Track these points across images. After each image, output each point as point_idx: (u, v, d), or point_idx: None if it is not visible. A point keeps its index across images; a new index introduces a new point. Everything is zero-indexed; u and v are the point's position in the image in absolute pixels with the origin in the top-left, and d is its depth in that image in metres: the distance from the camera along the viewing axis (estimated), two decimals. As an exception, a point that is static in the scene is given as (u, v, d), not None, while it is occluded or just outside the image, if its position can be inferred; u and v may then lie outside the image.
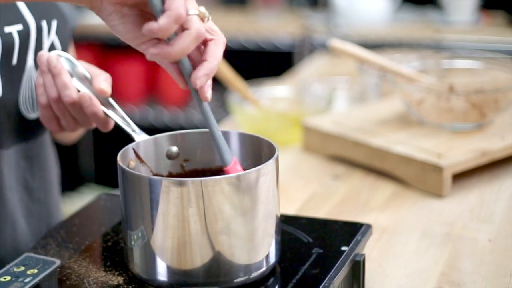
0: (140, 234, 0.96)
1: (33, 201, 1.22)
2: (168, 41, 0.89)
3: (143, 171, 1.04)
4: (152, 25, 0.87)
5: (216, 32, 0.94)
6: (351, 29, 2.97)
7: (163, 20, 0.87)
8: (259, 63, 3.17)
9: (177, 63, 0.93)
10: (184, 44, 0.89)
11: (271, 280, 0.99)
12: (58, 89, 1.08)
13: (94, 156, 3.58)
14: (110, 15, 0.91)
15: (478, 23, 3.02)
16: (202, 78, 0.92)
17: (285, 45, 3.08)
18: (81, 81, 1.10)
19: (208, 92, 0.93)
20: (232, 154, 0.97)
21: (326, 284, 0.97)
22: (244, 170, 0.97)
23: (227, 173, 0.96)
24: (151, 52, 0.90)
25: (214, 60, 0.93)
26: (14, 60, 1.13)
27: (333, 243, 1.08)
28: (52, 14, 1.18)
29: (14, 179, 1.18)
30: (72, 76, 1.09)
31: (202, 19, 0.91)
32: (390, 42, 2.79)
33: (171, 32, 0.88)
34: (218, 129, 0.96)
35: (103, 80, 1.09)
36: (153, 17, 0.89)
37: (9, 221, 1.17)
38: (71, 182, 3.47)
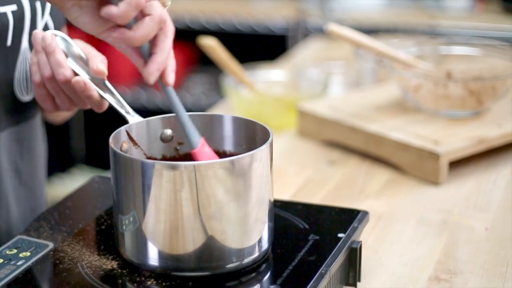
0: (131, 219, 0.94)
1: (21, 184, 1.21)
2: (128, 26, 0.90)
3: (136, 154, 1.02)
4: (111, 9, 0.88)
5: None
6: (346, 14, 2.95)
7: (123, 6, 0.88)
8: (253, 46, 3.14)
9: (136, 47, 0.94)
10: (147, 30, 0.91)
11: (263, 266, 0.98)
12: (52, 67, 1.07)
13: (85, 137, 3.55)
14: (70, 10, 0.91)
15: (472, 9, 3.01)
16: (155, 73, 0.93)
17: (279, 29, 3.06)
18: (76, 61, 1.08)
19: (169, 77, 0.94)
20: (199, 136, 0.97)
21: (322, 271, 0.96)
22: (236, 154, 0.96)
23: (195, 156, 0.96)
24: (113, 36, 0.92)
25: (164, 52, 0.93)
26: (9, 41, 1.11)
27: (330, 230, 1.07)
28: None
29: (6, 162, 1.16)
30: (67, 55, 1.07)
31: (163, 5, 0.92)
32: (384, 27, 2.77)
33: (131, 18, 0.89)
34: (184, 111, 0.97)
35: (100, 61, 1.07)
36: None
37: (3, 204, 1.16)
38: (61, 163, 3.45)
